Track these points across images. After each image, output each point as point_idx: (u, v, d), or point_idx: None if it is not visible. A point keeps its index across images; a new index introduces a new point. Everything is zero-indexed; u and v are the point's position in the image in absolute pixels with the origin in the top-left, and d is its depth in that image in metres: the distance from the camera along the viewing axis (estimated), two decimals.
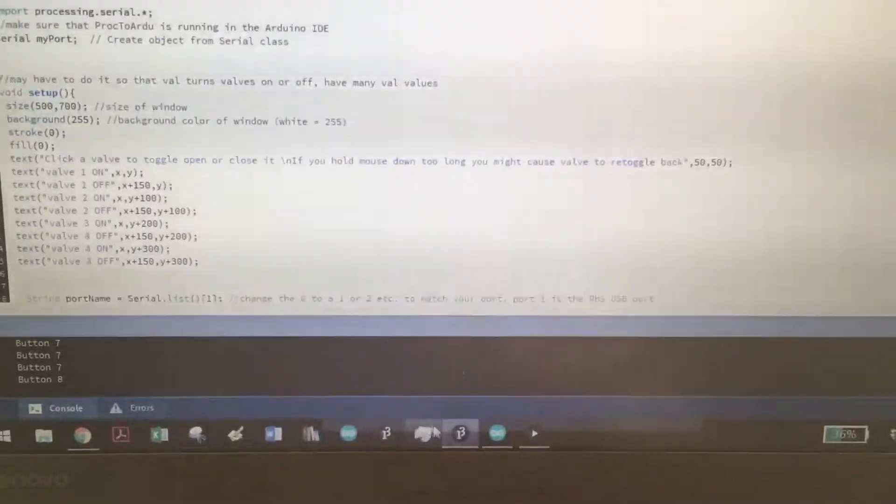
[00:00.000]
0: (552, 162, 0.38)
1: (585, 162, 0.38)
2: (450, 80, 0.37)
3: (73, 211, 0.38)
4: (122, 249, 0.39)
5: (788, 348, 0.40)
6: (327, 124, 0.37)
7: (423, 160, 0.38)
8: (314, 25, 0.37)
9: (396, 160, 0.38)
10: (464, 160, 0.38)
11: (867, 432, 0.41)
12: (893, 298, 0.40)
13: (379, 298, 0.39)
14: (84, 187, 0.38)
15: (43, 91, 0.37)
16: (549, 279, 0.39)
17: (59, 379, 0.40)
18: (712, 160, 0.38)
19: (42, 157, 0.38)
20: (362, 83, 0.37)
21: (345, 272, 0.39)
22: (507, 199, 0.38)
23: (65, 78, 0.37)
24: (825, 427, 0.41)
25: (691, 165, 0.38)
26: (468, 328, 0.39)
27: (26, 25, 0.36)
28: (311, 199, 0.38)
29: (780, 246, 0.39)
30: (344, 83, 0.37)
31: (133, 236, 0.39)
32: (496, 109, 0.37)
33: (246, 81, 0.37)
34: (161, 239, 0.39)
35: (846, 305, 0.40)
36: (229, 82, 0.37)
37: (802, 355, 0.40)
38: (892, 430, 0.41)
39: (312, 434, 0.41)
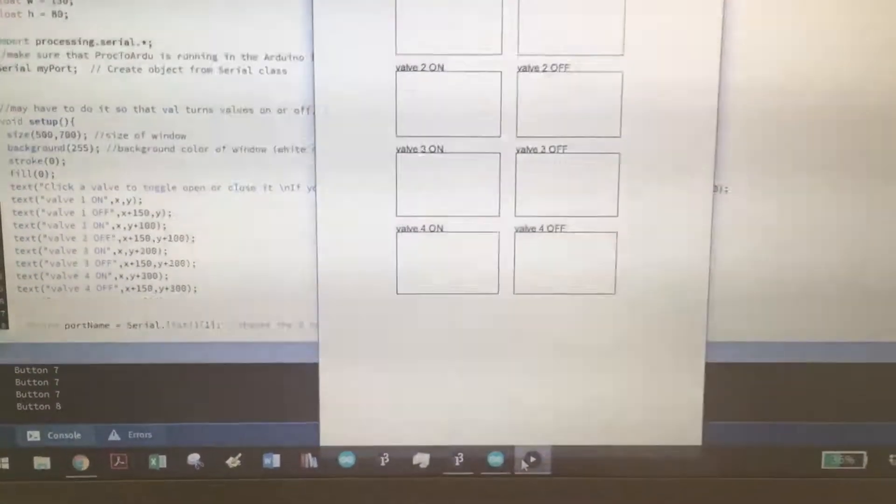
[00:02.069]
0: None
1: None
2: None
3: (73, 238, 0.38)
4: (121, 276, 0.39)
5: (786, 373, 0.40)
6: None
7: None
8: (312, 55, 0.37)
9: None
10: None
11: (865, 458, 0.41)
12: (892, 323, 0.39)
13: None
14: (84, 215, 0.38)
15: (43, 120, 0.37)
16: None
17: (58, 406, 0.40)
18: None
19: (42, 185, 0.38)
20: None
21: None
22: None
23: (65, 107, 0.37)
24: (823, 453, 0.41)
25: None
26: None
27: (27, 55, 0.37)
28: (310, 225, 0.38)
29: (782, 273, 0.39)
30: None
31: (132, 263, 0.39)
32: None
33: (244, 110, 0.37)
34: (160, 266, 0.39)
35: (845, 330, 0.40)
36: (228, 111, 0.37)
37: (800, 380, 0.40)
38: (891, 456, 0.41)
39: (311, 461, 0.41)
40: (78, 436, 0.40)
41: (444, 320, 0.39)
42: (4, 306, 0.39)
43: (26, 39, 0.37)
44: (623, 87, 0.38)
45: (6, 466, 0.40)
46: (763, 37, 0.37)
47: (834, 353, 0.40)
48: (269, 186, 0.38)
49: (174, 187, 0.38)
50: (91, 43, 0.37)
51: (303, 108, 0.38)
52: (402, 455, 0.41)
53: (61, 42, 0.37)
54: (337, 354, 0.40)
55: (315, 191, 0.38)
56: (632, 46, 0.37)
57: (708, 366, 0.40)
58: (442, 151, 0.38)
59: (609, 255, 0.39)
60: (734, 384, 0.40)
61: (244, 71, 0.37)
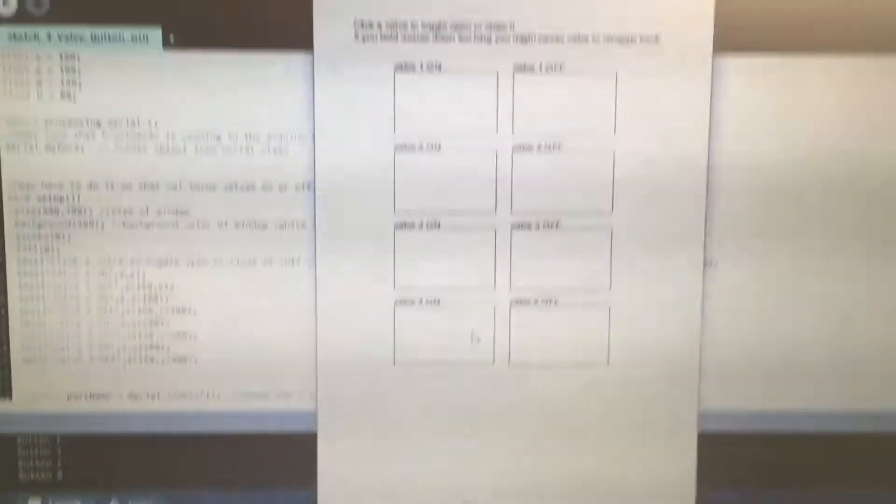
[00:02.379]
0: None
1: None
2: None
3: (77, 311, 0.39)
4: (124, 348, 0.40)
5: (779, 442, 0.41)
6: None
7: None
8: (312, 135, 0.38)
9: None
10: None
11: None
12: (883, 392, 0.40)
13: None
14: (88, 288, 0.39)
15: (50, 196, 0.38)
16: None
17: (59, 475, 0.41)
18: None
19: (48, 259, 0.39)
20: None
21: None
22: None
23: (72, 184, 0.38)
24: None
25: None
26: None
27: (36, 135, 0.38)
28: (309, 298, 0.39)
29: (773, 343, 0.40)
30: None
31: (134, 335, 0.40)
32: None
33: (247, 187, 0.38)
34: (162, 338, 0.40)
35: (837, 399, 0.41)
36: (231, 188, 0.38)
37: (793, 449, 0.41)
38: None
39: None
40: None
41: (441, 390, 0.40)
42: (9, 377, 0.39)
43: (35, 120, 0.38)
44: (615, 165, 0.38)
45: None
46: (750, 115, 0.38)
47: (827, 422, 0.41)
48: (270, 261, 0.39)
49: (177, 261, 0.39)
50: (98, 123, 0.38)
51: (303, 185, 0.38)
52: None
53: (69, 122, 0.38)
54: (335, 424, 0.40)
55: (315, 265, 0.39)
56: (622, 126, 0.38)
57: (701, 435, 0.41)
58: (439, 227, 0.39)
59: (602, 328, 0.40)
60: (727, 453, 0.41)
61: (247, 150, 0.38)
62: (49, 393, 0.40)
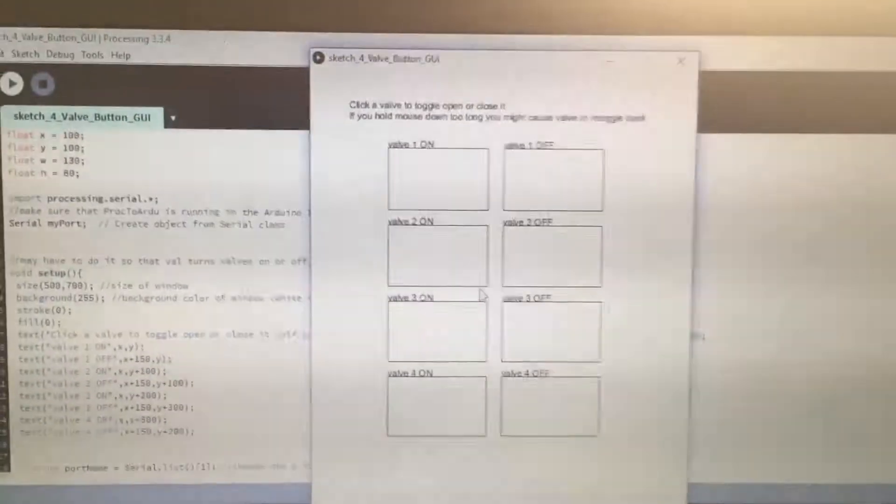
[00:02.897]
0: None
1: None
2: None
3: (76, 384, 0.40)
4: (122, 420, 0.40)
5: None
6: None
7: None
8: (308, 210, 0.39)
9: None
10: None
11: None
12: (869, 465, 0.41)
13: None
14: (87, 361, 0.40)
15: (52, 271, 0.39)
16: None
17: None
18: None
19: (48, 332, 0.39)
20: None
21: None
22: None
23: (73, 259, 0.39)
24: None
25: None
26: None
27: (38, 211, 0.39)
28: (305, 370, 0.40)
29: (761, 417, 0.41)
30: None
31: (132, 407, 0.40)
32: None
33: (244, 262, 0.39)
34: (159, 410, 0.40)
35: (823, 472, 0.41)
36: (228, 262, 0.39)
37: None
38: None
39: None
40: None
41: (434, 461, 0.41)
42: (7, 450, 0.40)
43: (38, 196, 0.39)
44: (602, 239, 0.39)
45: None
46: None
47: (813, 495, 0.41)
48: (266, 333, 0.40)
49: (175, 334, 0.40)
50: (100, 199, 0.39)
51: (299, 260, 0.39)
52: None
53: (72, 199, 0.39)
54: (329, 495, 0.41)
55: (310, 338, 0.40)
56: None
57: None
58: (432, 299, 0.40)
59: (592, 401, 0.40)
60: None
61: (244, 225, 0.39)
62: (47, 465, 0.40)
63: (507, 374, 0.40)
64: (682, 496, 0.41)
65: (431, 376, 0.40)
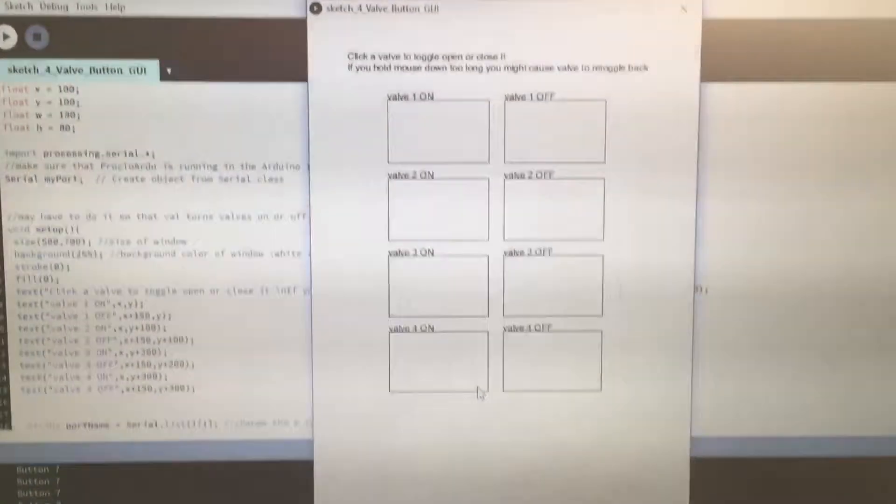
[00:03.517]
0: None
1: None
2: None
3: (76, 341, 0.40)
4: (122, 377, 0.40)
5: (772, 468, 0.41)
6: None
7: None
8: (307, 164, 0.38)
9: None
10: None
11: None
12: (876, 418, 0.41)
13: None
14: (87, 318, 0.40)
15: (49, 228, 0.39)
16: None
17: None
18: None
19: (47, 290, 0.39)
20: None
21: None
22: None
23: (70, 215, 0.39)
24: None
25: None
26: None
27: (35, 166, 0.38)
28: (305, 326, 0.40)
29: (765, 370, 0.41)
30: None
31: (132, 364, 0.40)
32: None
33: (243, 217, 0.39)
34: (159, 367, 0.40)
35: (829, 425, 0.41)
36: (227, 217, 0.39)
37: (786, 475, 0.41)
38: None
39: None
40: None
41: (436, 417, 0.40)
42: (8, 407, 0.40)
43: (34, 152, 0.38)
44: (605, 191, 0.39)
45: None
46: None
47: (818, 448, 0.41)
48: (266, 289, 0.40)
49: (174, 290, 0.39)
50: (97, 154, 0.38)
51: (298, 215, 0.39)
52: None
53: (68, 154, 0.38)
54: (331, 451, 0.41)
55: (310, 294, 0.39)
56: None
57: (693, 460, 0.41)
58: (433, 254, 0.39)
59: (595, 355, 0.40)
60: (720, 479, 0.41)
61: (243, 180, 0.39)
62: (48, 422, 0.40)
63: (508, 329, 0.40)
64: (684, 450, 0.41)
65: (433, 331, 0.40)
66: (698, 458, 0.41)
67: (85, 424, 0.40)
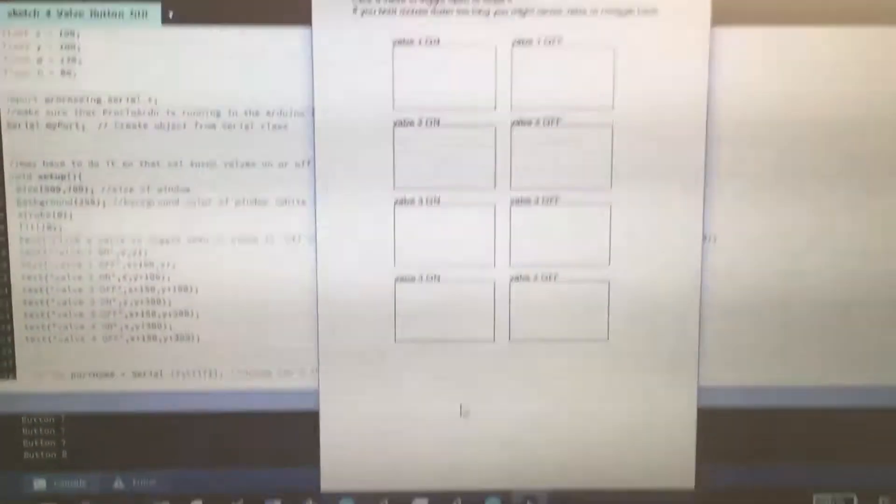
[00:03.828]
0: None
1: None
2: None
3: (80, 290, 0.39)
4: (126, 327, 0.40)
5: (777, 417, 0.41)
6: None
7: None
8: (311, 110, 0.38)
9: None
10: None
11: (856, 500, 0.42)
12: (879, 368, 0.40)
13: None
14: (90, 266, 0.39)
15: (52, 175, 0.38)
16: None
17: (63, 454, 0.41)
18: None
19: (50, 238, 0.39)
20: None
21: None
22: None
23: (73, 162, 0.38)
24: (815, 495, 0.42)
25: None
26: None
27: (36, 112, 0.38)
28: (311, 275, 0.39)
29: (772, 320, 0.40)
30: None
31: (137, 314, 0.40)
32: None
33: (247, 164, 0.38)
34: (164, 316, 0.40)
35: (834, 375, 0.41)
36: (231, 165, 0.39)
37: (791, 424, 0.41)
38: (881, 498, 0.42)
39: None
40: (83, 484, 0.41)
41: (442, 366, 0.40)
42: (12, 356, 0.39)
43: (35, 97, 0.38)
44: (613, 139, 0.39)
45: None
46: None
47: (824, 398, 0.41)
48: (271, 238, 0.39)
49: (178, 239, 0.39)
50: (98, 100, 0.38)
51: (303, 162, 0.39)
52: (401, 500, 0.42)
53: (69, 100, 0.38)
54: (337, 401, 0.41)
55: (315, 241, 0.39)
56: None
57: (700, 410, 0.41)
58: (438, 202, 0.39)
59: (602, 305, 0.40)
60: (726, 428, 0.41)
61: (246, 126, 0.38)
62: (53, 372, 0.40)
63: (515, 278, 0.39)
64: (692, 400, 0.41)
65: (439, 281, 0.39)
66: (705, 408, 0.41)
67: (90, 374, 0.40)
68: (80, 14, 0.37)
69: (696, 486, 0.41)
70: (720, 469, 0.41)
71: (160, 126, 0.38)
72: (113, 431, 0.40)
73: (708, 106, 0.38)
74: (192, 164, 0.38)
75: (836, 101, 0.39)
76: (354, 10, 0.37)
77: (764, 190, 0.39)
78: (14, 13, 0.37)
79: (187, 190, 0.39)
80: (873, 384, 0.41)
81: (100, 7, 0.37)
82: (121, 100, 0.38)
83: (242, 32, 0.37)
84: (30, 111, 0.38)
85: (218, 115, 0.38)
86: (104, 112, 0.38)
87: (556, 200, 0.39)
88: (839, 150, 0.39)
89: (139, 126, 0.38)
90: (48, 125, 0.38)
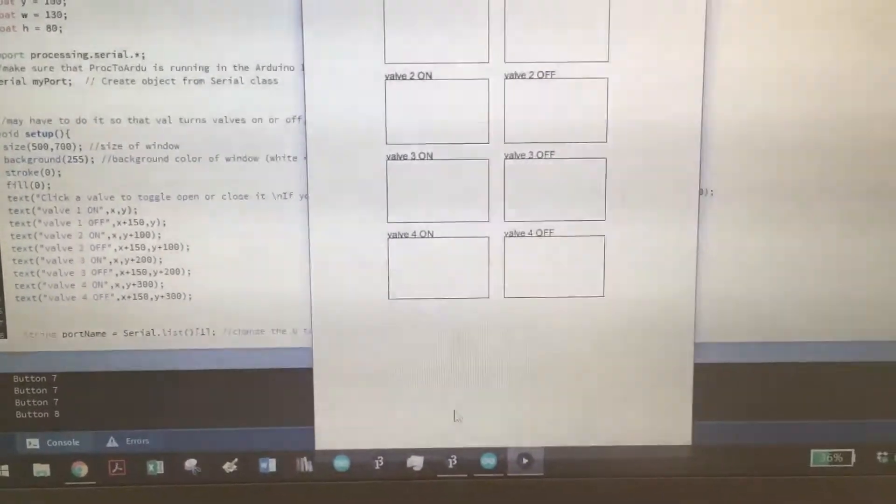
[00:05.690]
0: None
1: None
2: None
3: (69, 248, 0.39)
4: (117, 285, 0.39)
5: (774, 373, 0.40)
6: None
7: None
8: (302, 65, 0.37)
9: None
10: None
11: (854, 455, 0.42)
12: (877, 323, 0.40)
13: None
14: (80, 225, 0.39)
15: (39, 132, 0.38)
16: None
17: (56, 413, 0.40)
18: None
19: (38, 196, 0.38)
20: None
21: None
22: None
23: (60, 119, 0.38)
24: (812, 451, 0.42)
25: None
26: None
27: (22, 69, 0.37)
28: (303, 232, 0.39)
29: (768, 275, 0.40)
30: None
31: (128, 272, 0.39)
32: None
33: (236, 120, 0.38)
34: (155, 274, 0.39)
35: (831, 330, 0.40)
36: (220, 121, 0.38)
37: (788, 380, 0.40)
38: (879, 453, 0.41)
39: (306, 465, 0.41)
40: (76, 443, 0.41)
41: (436, 324, 0.40)
42: (3, 316, 0.39)
43: (21, 53, 0.37)
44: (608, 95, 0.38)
45: (6, 474, 0.41)
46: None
47: (821, 353, 0.40)
48: (262, 195, 0.39)
49: (168, 197, 0.39)
50: (85, 56, 0.37)
51: (294, 118, 0.38)
52: (396, 458, 0.41)
53: (56, 55, 0.37)
54: (330, 359, 0.40)
55: (307, 198, 0.39)
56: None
57: (696, 366, 0.40)
58: (432, 158, 0.38)
59: (598, 262, 0.40)
60: (723, 384, 0.41)
61: (236, 81, 0.38)
62: (44, 331, 0.40)
63: (509, 234, 0.39)
64: (689, 356, 0.40)
65: (432, 236, 0.39)
66: (702, 364, 0.40)
67: (81, 333, 0.40)
68: None
69: (692, 443, 0.41)
70: (717, 425, 0.41)
71: (148, 82, 0.38)
72: (106, 390, 0.40)
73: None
74: (181, 121, 0.38)
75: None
76: None
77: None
78: None
79: (177, 146, 0.38)
80: (871, 339, 0.40)
81: None
82: (108, 55, 0.37)
83: None
84: (16, 67, 0.37)
85: (206, 70, 0.38)
86: (91, 67, 0.37)
87: (552, 154, 0.38)
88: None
89: (127, 82, 0.38)
90: (35, 81, 0.37)
